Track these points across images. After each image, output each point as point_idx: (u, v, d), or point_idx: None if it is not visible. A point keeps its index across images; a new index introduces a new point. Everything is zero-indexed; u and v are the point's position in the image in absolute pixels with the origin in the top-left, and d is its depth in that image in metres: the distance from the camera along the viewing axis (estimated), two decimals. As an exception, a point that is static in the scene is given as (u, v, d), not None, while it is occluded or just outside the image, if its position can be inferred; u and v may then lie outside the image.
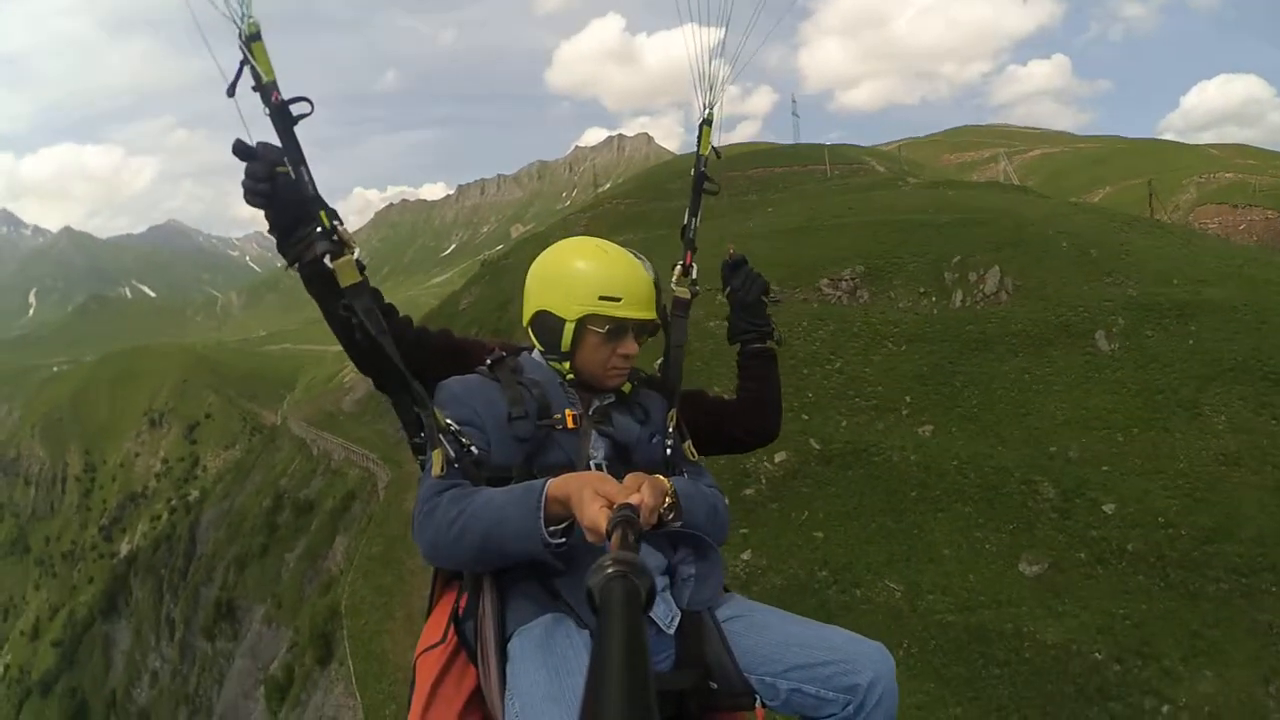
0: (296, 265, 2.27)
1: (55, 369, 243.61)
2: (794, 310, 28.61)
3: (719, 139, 2.94)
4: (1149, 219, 46.17)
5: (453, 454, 2.17)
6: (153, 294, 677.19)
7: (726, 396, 3.05)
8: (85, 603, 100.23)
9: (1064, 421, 21.60)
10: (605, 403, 2.43)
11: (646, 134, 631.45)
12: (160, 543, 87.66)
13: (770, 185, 70.80)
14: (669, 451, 2.48)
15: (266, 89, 2.14)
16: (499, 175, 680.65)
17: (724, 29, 2.75)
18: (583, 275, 2.35)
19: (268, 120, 2.14)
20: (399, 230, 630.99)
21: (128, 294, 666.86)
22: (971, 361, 24.33)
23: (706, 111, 2.93)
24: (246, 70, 2.15)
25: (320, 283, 2.28)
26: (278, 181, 2.14)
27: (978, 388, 23.65)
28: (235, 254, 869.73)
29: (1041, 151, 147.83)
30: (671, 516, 2.04)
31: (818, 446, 23.53)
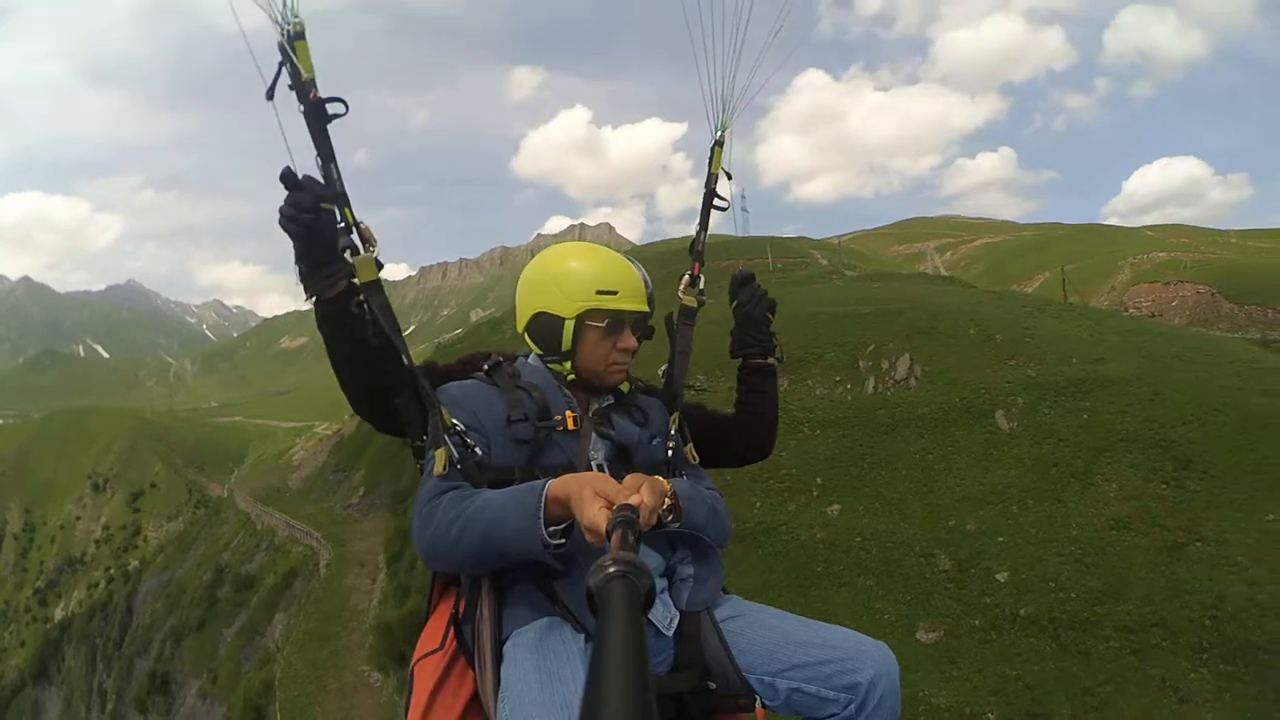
0: (316, 301, 2.32)
1: (1, 421, 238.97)
2: (719, 399, 29.04)
3: (728, 161, 2.98)
4: (1061, 303, 48.39)
5: (456, 455, 2.19)
6: (106, 354, 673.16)
7: (724, 411, 3.09)
8: (15, 666, 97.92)
9: (963, 497, 22.46)
10: (604, 405, 2.47)
11: (608, 224, 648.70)
12: (96, 610, 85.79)
13: (714, 277, 72.01)
14: (670, 453, 2.52)
15: (305, 86, 2.17)
16: (461, 259, 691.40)
17: (737, 50, 2.78)
18: (578, 272, 2.41)
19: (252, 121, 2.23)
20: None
21: (81, 351, 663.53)
22: (880, 444, 25.23)
23: (719, 133, 2.99)
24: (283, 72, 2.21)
25: (336, 319, 2.33)
26: (320, 216, 2.19)
27: (884, 468, 24.51)
28: (193, 320, 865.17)
29: (984, 241, 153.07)
30: (671, 518, 2.09)
31: (732, 527, 23.69)
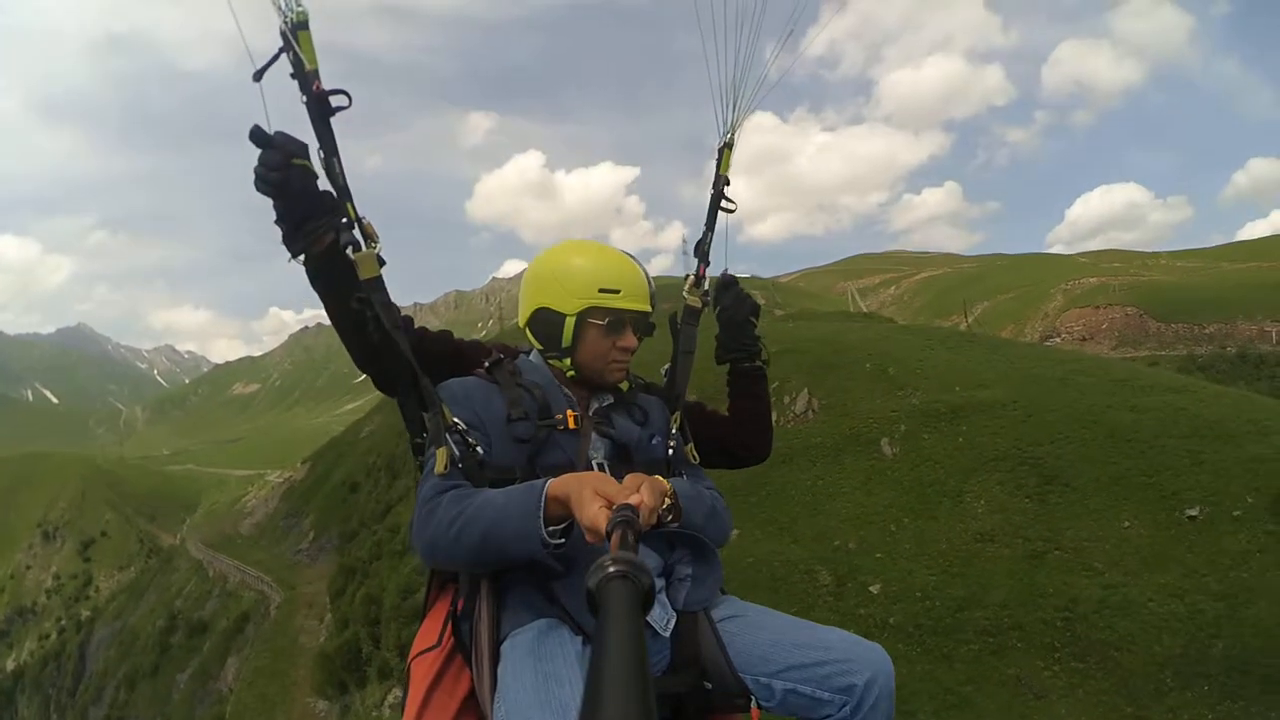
0: (303, 258, 2.27)
1: None
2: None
3: (735, 163, 3.06)
4: (964, 332, 51.67)
5: (457, 454, 2.18)
6: (55, 399, 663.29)
7: (723, 413, 3.09)
8: None
9: (847, 518, 24.42)
10: (604, 404, 2.46)
11: None
12: (49, 660, 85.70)
13: (661, 322, 74.56)
14: (671, 453, 2.51)
15: (308, 77, 2.16)
16: (415, 303, 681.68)
17: (748, 51, 2.81)
18: (581, 270, 2.39)
19: (255, 114, 2.14)
20: (313, 354, 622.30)
21: (29, 396, 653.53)
22: (777, 473, 26.87)
23: (728, 135, 3.01)
24: (280, 59, 2.18)
25: (326, 276, 2.30)
26: (292, 173, 2.14)
27: (779, 495, 26.29)
28: (144, 366, 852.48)
29: (927, 275, 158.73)
30: (670, 517, 2.10)
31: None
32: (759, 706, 2.10)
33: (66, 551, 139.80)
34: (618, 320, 2.38)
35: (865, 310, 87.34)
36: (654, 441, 2.49)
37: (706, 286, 2.99)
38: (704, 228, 3.04)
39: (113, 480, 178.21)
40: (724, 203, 3.02)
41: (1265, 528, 20.06)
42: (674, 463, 2.52)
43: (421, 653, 2.18)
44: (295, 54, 2.14)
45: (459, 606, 2.19)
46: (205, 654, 52.62)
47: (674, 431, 2.60)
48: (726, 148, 3.04)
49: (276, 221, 2.20)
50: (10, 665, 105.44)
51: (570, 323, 2.37)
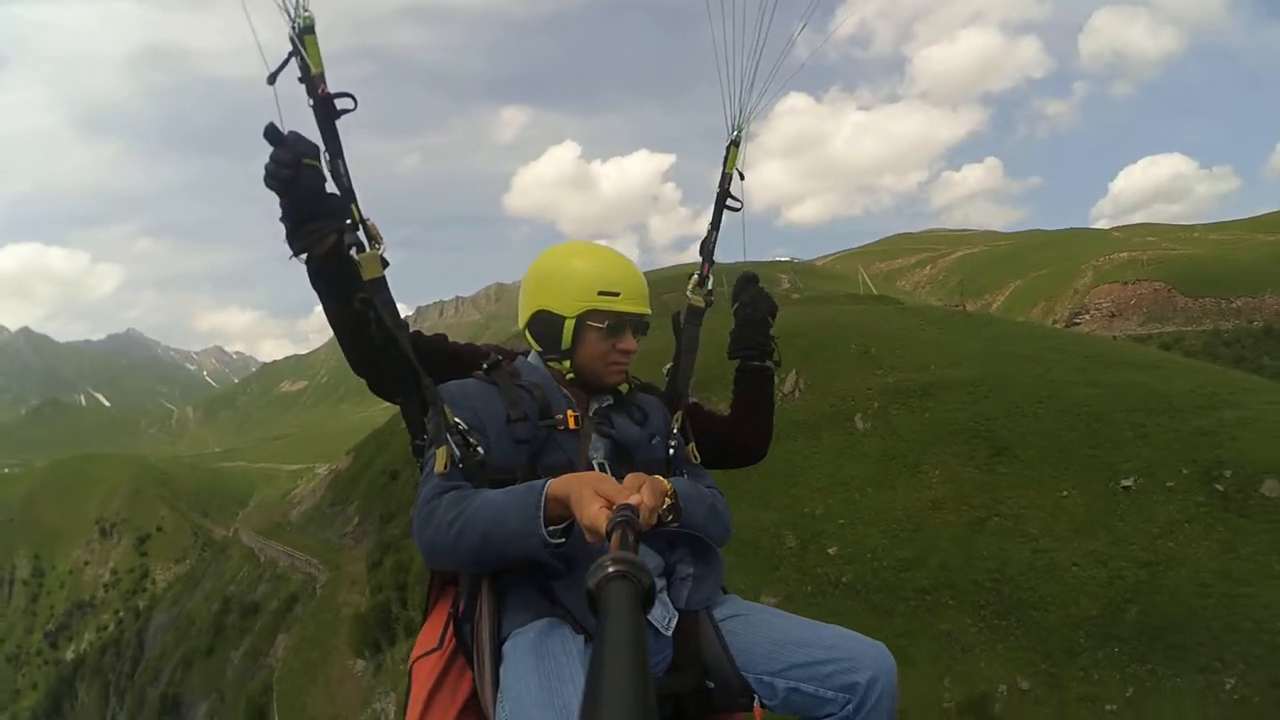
0: (304, 257, 2.29)
1: (5, 470, 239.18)
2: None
3: (742, 161, 3.00)
4: (962, 312, 53.71)
5: (458, 454, 2.18)
6: (107, 403, 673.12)
7: (721, 412, 3.09)
8: (28, 707, 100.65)
9: (819, 488, 27.08)
10: (604, 404, 2.46)
11: None
12: (108, 647, 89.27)
13: (662, 307, 77.23)
14: (671, 453, 2.51)
15: (314, 80, 2.20)
16: (457, 297, 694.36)
17: (758, 49, 2.77)
18: (581, 272, 2.39)
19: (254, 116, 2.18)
20: None
21: (82, 401, 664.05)
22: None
23: (735, 133, 3.00)
24: (291, 63, 2.22)
25: (327, 276, 2.32)
26: (301, 172, 2.18)
27: (761, 469, 28.74)
28: (193, 368, 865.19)
29: (963, 253, 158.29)
30: (671, 517, 2.10)
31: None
32: (762, 705, 2.13)
33: (123, 547, 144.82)
34: (618, 323, 2.37)
35: (875, 292, 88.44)
36: (654, 442, 2.49)
37: (710, 286, 2.95)
38: (709, 227, 3.03)
39: (166, 478, 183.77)
40: (729, 201, 3.03)
41: (1195, 499, 22.01)
42: (674, 463, 2.52)
43: (423, 655, 2.21)
44: (302, 58, 2.20)
45: (459, 608, 2.20)
46: (256, 633, 56.12)
47: (675, 431, 2.61)
48: (733, 145, 3.03)
49: (281, 219, 2.25)
50: (70, 655, 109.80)
51: (570, 325, 2.38)
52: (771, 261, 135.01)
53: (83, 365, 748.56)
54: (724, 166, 3.03)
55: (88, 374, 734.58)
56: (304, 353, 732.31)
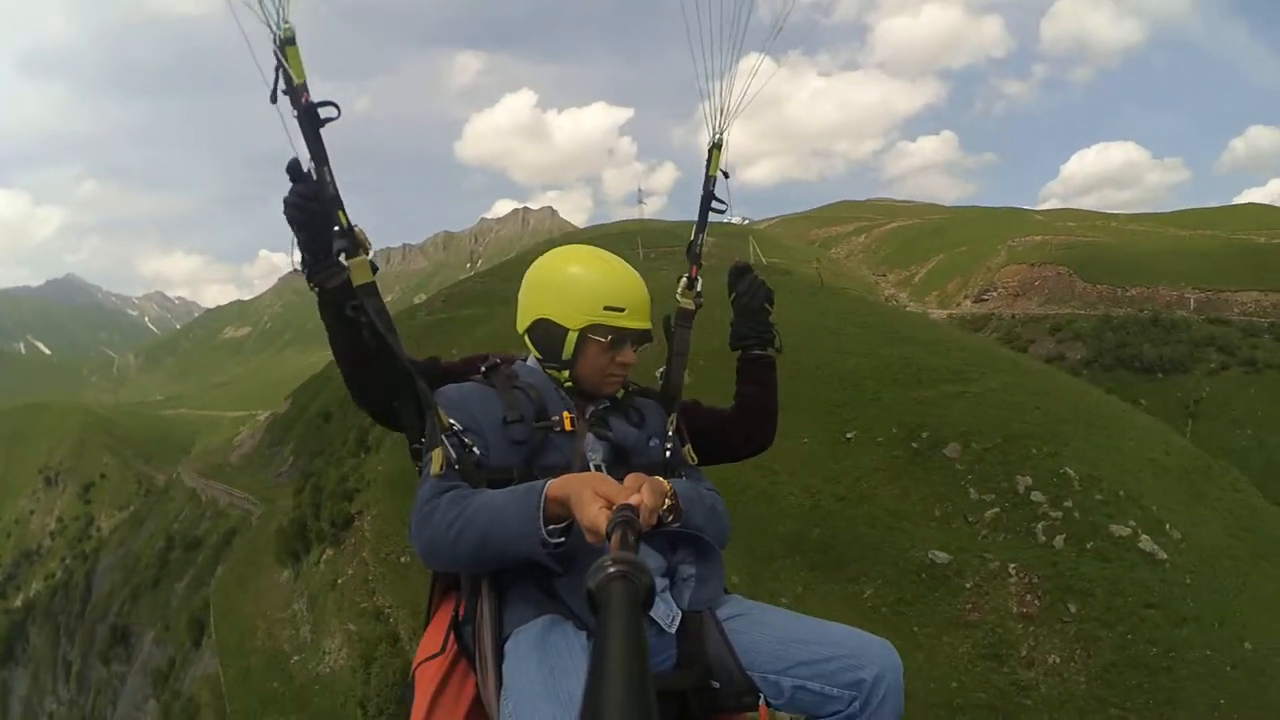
0: (318, 289, 2.39)
1: None
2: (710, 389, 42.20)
3: (725, 162, 3.04)
4: (820, 286, 62.12)
5: (454, 455, 2.26)
6: (48, 350, 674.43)
7: (720, 407, 3.14)
8: None
9: None
10: (601, 407, 2.55)
11: (551, 208, 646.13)
12: (58, 590, 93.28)
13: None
14: (668, 454, 2.61)
15: (297, 91, 2.27)
16: (404, 244, 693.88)
17: (735, 52, 2.85)
18: (587, 285, 2.46)
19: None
20: (303, 296, 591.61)
21: (22, 349, 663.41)
22: None
23: (716, 135, 3.02)
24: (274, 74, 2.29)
25: (335, 311, 2.40)
26: (324, 207, 2.30)
27: None
28: (134, 314, 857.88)
29: (898, 224, 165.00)
30: (671, 518, 2.17)
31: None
32: (767, 704, 2.17)
33: (68, 496, 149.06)
34: (619, 337, 2.46)
35: (764, 262, 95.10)
36: (651, 443, 2.58)
37: (699, 289, 3.01)
38: (695, 230, 3.07)
39: (109, 426, 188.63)
40: (715, 204, 3.08)
41: (893, 452, 28.46)
42: (672, 464, 2.60)
43: (426, 660, 2.28)
44: (284, 69, 2.26)
45: (460, 612, 2.30)
46: (199, 565, 62.08)
47: (670, 433, 2.67)
48: (715, 147, 3.03)
49: (302, 250, 2.36)
50: (18, 603, 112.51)
51: (572, 338, 2.45)
52: (722, 223, 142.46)
53: (22, 312, 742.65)
54: (707, 169, 3.06)
55: (28, 322, 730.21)
56: (248, 298, 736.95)
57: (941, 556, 24.37)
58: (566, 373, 2.52)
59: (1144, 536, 25.42)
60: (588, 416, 2.52)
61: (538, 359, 2.60)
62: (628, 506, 1.63)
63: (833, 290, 62.40)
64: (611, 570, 1.06)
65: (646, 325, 2.53)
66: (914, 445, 28.63)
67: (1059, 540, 24.82)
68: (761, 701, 2.17)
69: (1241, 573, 29.24)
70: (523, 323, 2.59)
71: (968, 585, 23.65)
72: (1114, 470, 30.04)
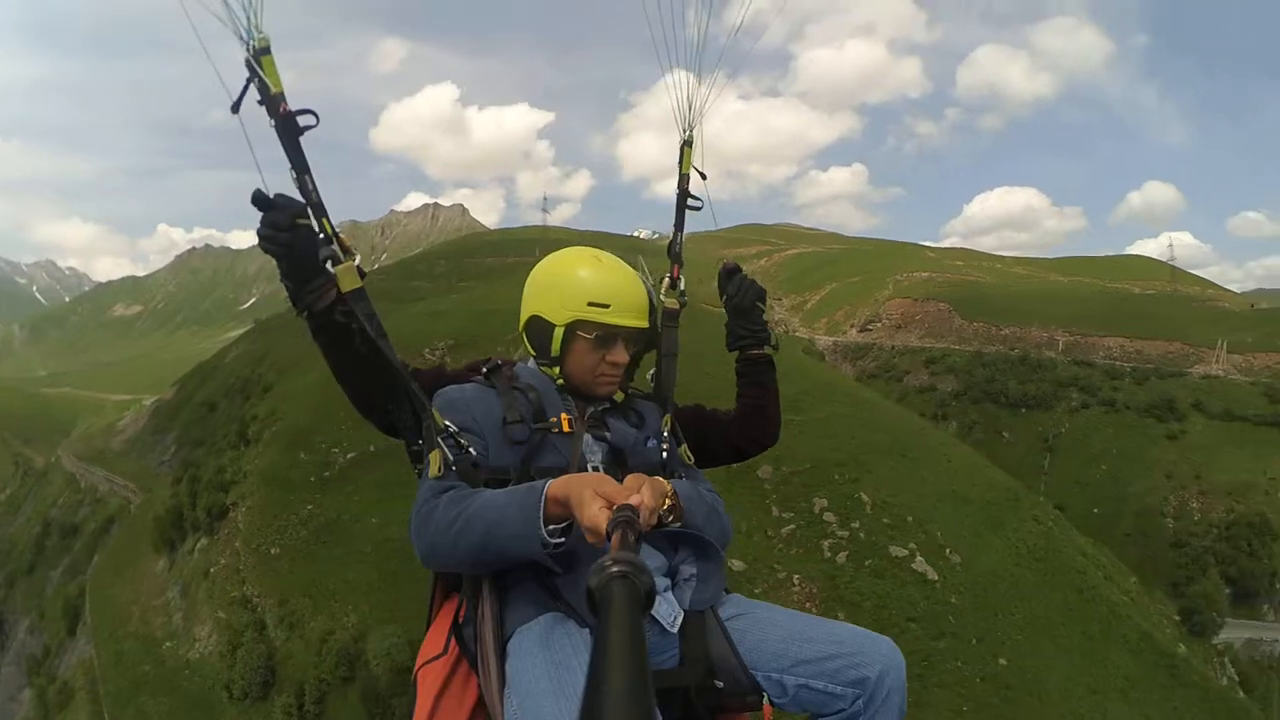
0: (307, 314, 2.36)
1: None
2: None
3: (699, 159, 3.12)
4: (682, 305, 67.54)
5: (450, 457, 2.27)
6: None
7: (723, 409, 3.16)
8: None
9: None
10: (600, 408, 2.56)
11: (463, 205, 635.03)
12: None
13: (479, 273, 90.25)
14: (665, 455, 2.61)
15: (274, 100, 2.23)
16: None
17: (699, 50, 2.92)
18: (574, 281, 2.50)
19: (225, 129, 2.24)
20: (199, 277, 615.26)
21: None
22: None
23: (686, 134, 3.10)
24: (250, 87, 2.26)
25: (329, 332, 2.39)
26: (298, 233, 2.23)
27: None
28: (23, 282, 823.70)
29: (797, 251, 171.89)
30: (671, 518, 2.20)
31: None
32: (771, 703, 2.19)
33: None
34: (607, 335, 2.47)
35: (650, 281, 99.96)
36: (649, 444, 2.60)
37: (683, 287, 3.02)
38: (673, 228, 3.12)
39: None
40: (690, 201, 3.12)
41: (714, 471, 33.71)
42: (670, 464, 2.60)
43: (428, 662, 2.28)
44: (260, 79, 2.22)
45: (462, 613, 2.31)
46: (76, 552, 62.90)
47: (666, 433, 2.68)
48: (686, 145, 3.11)
49: (283, 279, 2.32)
50: None
51: (559, 333, 2.48)
52: (631, 236, 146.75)
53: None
54: (680, 167, 3.11)
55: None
56: (142, 274, 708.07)
57: (738, 565, 28.02)
58: (557, 369, 2.56)
59: (919, 559, 29.86)
60: (586, 417, 2.53)
61: (532, 356, 2.63)
62: (628, 507, 1.66)
63: (710, 311, 66.45)
64: (613, 570, 1.09)
65: (636, 324, 2.53)
66: (733, 465, 33.77)
67: (841, 557, 29.17)
68: (765, 700, 2.20)
69: (1019, 597, 33.93)
70: (521, 321, 2.62)
71: (756, 591, 27.16)
72: (910, 498, 34.43)
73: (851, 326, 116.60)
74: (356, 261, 2.35)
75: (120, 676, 42.17)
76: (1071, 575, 38.30)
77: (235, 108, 2.24)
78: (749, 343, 3.07)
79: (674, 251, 3.11)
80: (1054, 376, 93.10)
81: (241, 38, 2.21)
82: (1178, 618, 55.38)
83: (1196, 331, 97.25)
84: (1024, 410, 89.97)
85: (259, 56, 2.22)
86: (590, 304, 2.45)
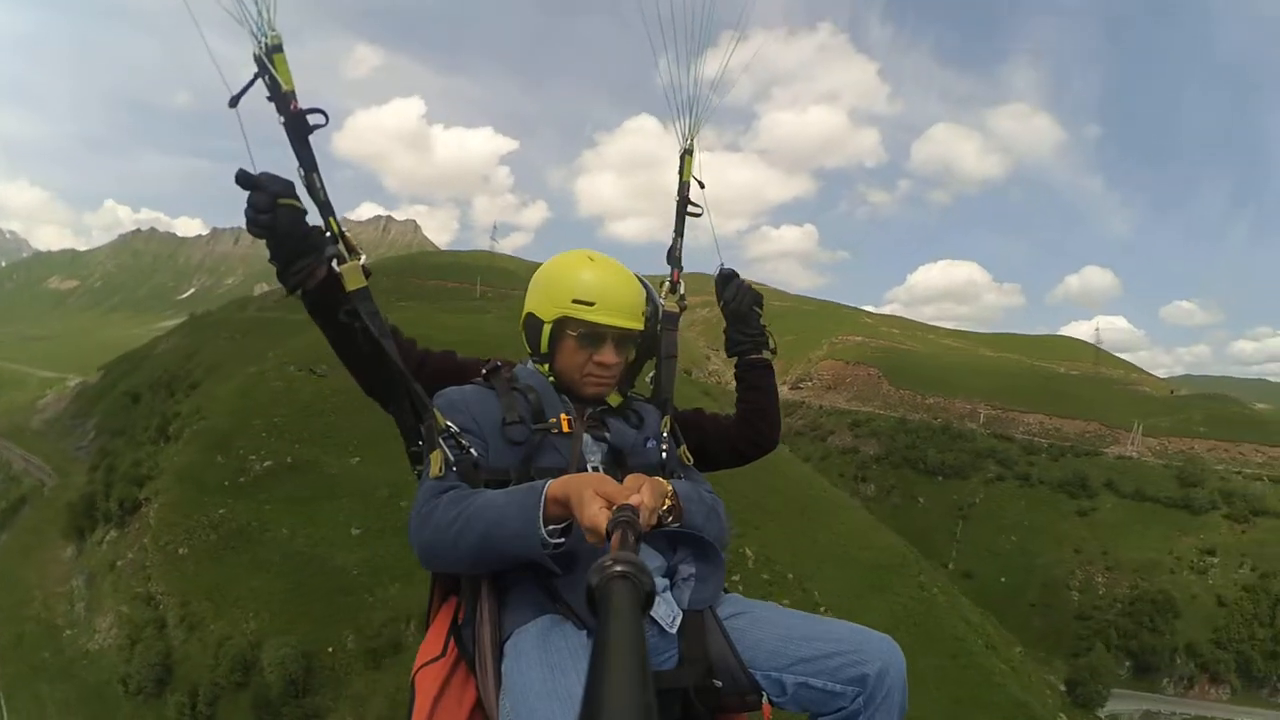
0: (301, 294, 2.37)
1: None
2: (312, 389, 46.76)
3: (698, 169, 3.20)
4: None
5: (451, 457, 2.27)
6: None
7: (723, 414, 3.20)
8: None
9: None
10: (599, 409, 2.57)
11: (415, 222, 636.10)
12: None
13: (420, 294, 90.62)
14: (665, 455, 2.63)
15: (285, 98, 2.26)
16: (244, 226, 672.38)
17: (699, 58, 2.95)
18: (563, 278, 2.51)
19: (235, 126, 2.29)
20: (140, 260, 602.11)
21: None
22: None
23: (687, 142, 3.15)
24: (255, 83, 2.27)
25: (325, 309, 2.42)
26: (280, 213, 2.23)
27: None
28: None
29: None
30: (671, 518, 2.21)
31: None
32: (770, 702, 2.20)
33: None
34: (593, 334, 2.47)
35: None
36: (649, 445, 2.61)
37: (682, 291, 3.08)
38: (674, 234, 3.17)
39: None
40: (691, 207, 3.17)
41: None
42: (669, 465, 2.62)
43: (426, 664, 2.29)
44: (271, 76, 2.25)
45: (461, 615, 2.33)
46: None
47: (665, 434, 2.70)
48: (687, 154, 3.17)
49: (270, 259, 2.31)
50: None
51: (547, 330, 2.50)
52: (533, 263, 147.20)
53: None
54: (680, 175, 3.17)
55: None
56: (83, 249, 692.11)
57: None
58: (548, 367, 2.58)
59: (791, 615, 31.73)
60: (585, 418, 2.53)
61: (528, 354, 2.67)
62: (628, 507, 1.65)
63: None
64: (612, 570, 1.10)
65: (623, 324, 2.51)
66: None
67: (716, 610, 30.87)
68: (764, 700, 2.21)
69: (889, 658, 35.97)
70: (520, 317, 2.63)
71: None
72: (796, 556, 35.81)
73: (783, 384, 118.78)
74: (362, 261, 2.42)
75: (19, 660, 42.61)
76: (949, 642, 40.08)
77: (234, 102, 2.27)
78: (747, 348, 3.13)
79: (674, 256, 3.18)
80: (973, 447, 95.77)
81: (254, 34, 2.26)
82: (1063, 688, 57.44)
83: (1115, 413, 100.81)
84: (941, 478, 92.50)
85: (271, 54, 2.26)
86: (575, 301, 2.48)
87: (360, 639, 31.53)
